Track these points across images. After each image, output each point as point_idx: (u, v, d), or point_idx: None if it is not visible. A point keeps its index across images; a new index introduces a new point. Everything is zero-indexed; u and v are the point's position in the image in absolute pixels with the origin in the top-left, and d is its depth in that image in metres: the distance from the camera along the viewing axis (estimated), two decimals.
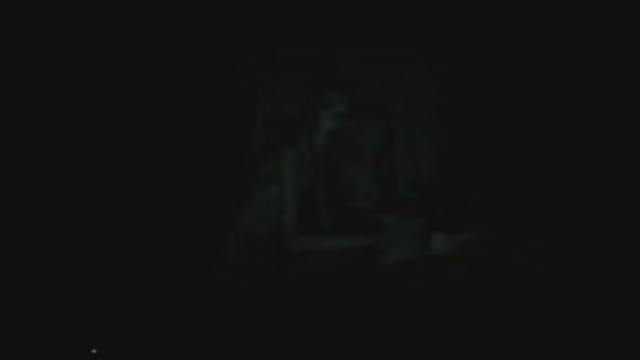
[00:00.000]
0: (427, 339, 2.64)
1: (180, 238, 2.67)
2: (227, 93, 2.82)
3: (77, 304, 2.57)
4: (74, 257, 2.59)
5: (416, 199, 2.96)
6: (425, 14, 2.90)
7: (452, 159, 2.99)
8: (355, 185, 2.98)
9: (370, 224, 2.88)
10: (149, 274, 2.63)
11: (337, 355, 2.61)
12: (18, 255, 2.55)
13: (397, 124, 3.03)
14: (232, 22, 2.81)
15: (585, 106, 2.87)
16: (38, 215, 2.59)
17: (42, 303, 2.55)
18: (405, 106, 3.02)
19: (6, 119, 2.56)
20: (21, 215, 2.57)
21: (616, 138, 2.84)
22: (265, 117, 2.90)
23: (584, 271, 2.75)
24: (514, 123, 2.94)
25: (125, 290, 2.61)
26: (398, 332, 2.65)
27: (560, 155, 2.89)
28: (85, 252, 2.60)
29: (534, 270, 2.73)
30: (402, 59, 2.97)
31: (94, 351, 2.53)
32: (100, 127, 2.66)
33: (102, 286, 2.59)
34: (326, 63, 2.92)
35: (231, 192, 2.77)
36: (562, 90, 2.89)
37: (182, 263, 2.65)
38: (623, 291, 2.72)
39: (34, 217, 2.58)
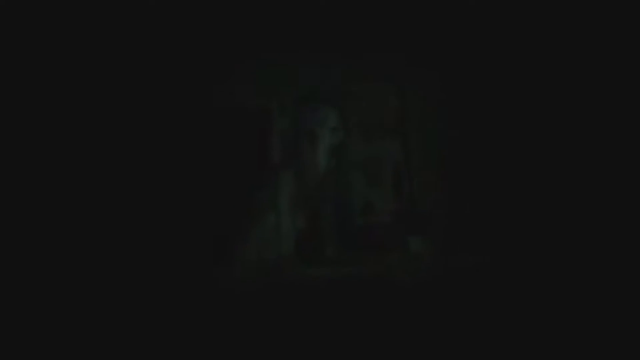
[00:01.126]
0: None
1: (186, 246, 2.65)
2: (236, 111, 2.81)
3: (78, 307, 2.54)
4: (77, 262, 2.58)
5: (435, 216, 2.91)
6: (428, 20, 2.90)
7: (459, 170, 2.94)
8: (374, 203, 2.91)
9: (392, 242, 2.80)
10: (154, 284, 2.60)
11: None
12: (18, 255, 2.53)
13: (413, 140, 2.99)
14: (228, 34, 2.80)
15: (582, 108, 2.85)
16: (42, 217, 2.57)
17: (42, 303, 2.53)
18: (419, 123, 2.99)
19: (6, 119, 2.55)
20: (21, 215, 2.55)
21: (614, 139, 2.81)
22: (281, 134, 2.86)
23: (582, 272, 2.72)
24: (514, 128, 2.91)
25: (132, 298, 2.59)
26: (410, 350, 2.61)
27: (561, 159, 2.86)
28: (88, 258, 2.58)
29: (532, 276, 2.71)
30: (413, 74, 2.96)
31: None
32: (107, 140, 2.66)
33: (104, 293, 2.57)
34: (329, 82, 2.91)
35: (241, 209, 2.73)
36: (560, 95, 2.88)
37: (187, 272, 2.63)
38: (622, 291, 2.68)
39: (35, 218, 2.56)
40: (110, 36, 2.66)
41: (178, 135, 2.73)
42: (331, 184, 2.88)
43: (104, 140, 2.65)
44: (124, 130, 2.67)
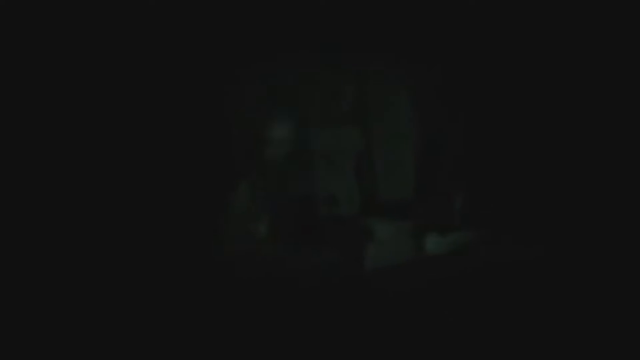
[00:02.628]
0: (422, 341, 2.59)
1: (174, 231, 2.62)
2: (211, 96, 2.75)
3: (75, 300, 2.51)
4: (72, 253, 2.54)
5: (402, 203, 2.90)
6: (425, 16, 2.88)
7: (436, 158, 2.94)
8: (337, 193, 2.87)
9: (356, 231, 2.77)
10: (143, 270, 2.57)
11: None
12: (17, 255, 2.49)
13: (376, 128, 2.96)
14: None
15: (579, 107, 2.88)
16: (37, 215, 2.52)
17: (43, 303, 2.50)
18: (382, 109, 2.96)
19: (6, 119, 2.51)
20: (21, 215, 2.51)
21: (612, 138, 2.84)
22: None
23: (581, 270, 2.74)
24: (502, 120, 2.93)
25: (122, 286, 2.55)
26: (393, 337, 2.58)
27: (552, 153, 2.89)
28: (82, 249, 2.55)
29: (528, 268, 2.70)
30: (380, 59, 2.93)
31: None
32: (100, 130, 2.61)
33: (99, 284, 2.54)
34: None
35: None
36: (556, 91, 2.90)
37: (177, 255, 2.60)
38: (621, 291, 2.71)
39: (33, 217, 2.52)
40: (110, 36, 2.62)
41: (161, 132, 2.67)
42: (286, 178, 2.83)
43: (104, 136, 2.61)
44: (122, 128, 2.63)
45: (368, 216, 2.87)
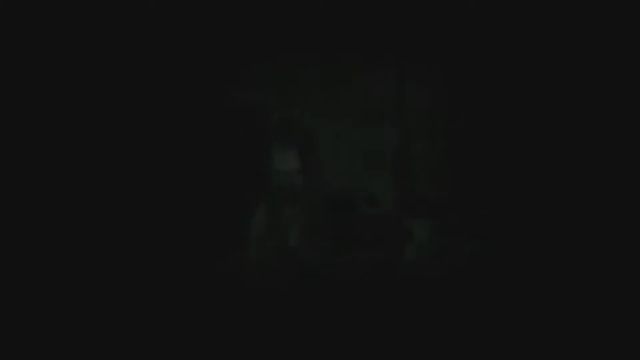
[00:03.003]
0: (455, 337, 2.64)
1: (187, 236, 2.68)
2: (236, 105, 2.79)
3: (78, 302, 2.57)
4: (76, 254, 2.60)
5: (437, 201, 2.91)
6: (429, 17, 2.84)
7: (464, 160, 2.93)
8: (376, 192, 2.91)
9: (396, 230, 2.81)
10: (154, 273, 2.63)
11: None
12: (18, 255, 2.54)
13: (413, 127, 2.96)
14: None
15: (580, 108, 2.83)
16: (43, 215, 2.59)
17: (44, 302, 2.55)
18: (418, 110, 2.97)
19: (6, 119, 2.55)
20: (21, 215, 2.56)
21: (613, 139, 2.79)
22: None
23: (585, 271, 2.73)
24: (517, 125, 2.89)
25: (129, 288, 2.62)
26: (425, 335, 2.64)
27: (561, 156, 2.84)
28: (87, 251, 2.61)
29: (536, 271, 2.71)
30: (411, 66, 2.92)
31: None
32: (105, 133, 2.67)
33: (104, 285, 2.59)
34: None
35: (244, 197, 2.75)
36: (560, 94, 2.85)
37: (187, 260, 2.66)
38: (620, 291, 2.70)
39: (35, 217, 2.58)
40: (112, 36, 2.66)
41: (180, 132, 2.73)
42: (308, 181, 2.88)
43: (108, 134, 2.67)
44: (129, 127, 2.69)
45: (406, 215, 2.90)
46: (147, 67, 2.68)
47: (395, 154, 2.97)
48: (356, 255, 2.75)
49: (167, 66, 2.71)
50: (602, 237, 2.73)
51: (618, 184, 2.77)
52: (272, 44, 2.81)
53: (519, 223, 2.80)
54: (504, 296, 2.70)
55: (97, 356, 2.52)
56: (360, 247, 2.78)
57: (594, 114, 2.81)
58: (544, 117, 2.85)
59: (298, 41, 2.82)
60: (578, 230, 2.75)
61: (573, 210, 2.78)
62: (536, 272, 2.73)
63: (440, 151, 2.97)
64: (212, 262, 2.67)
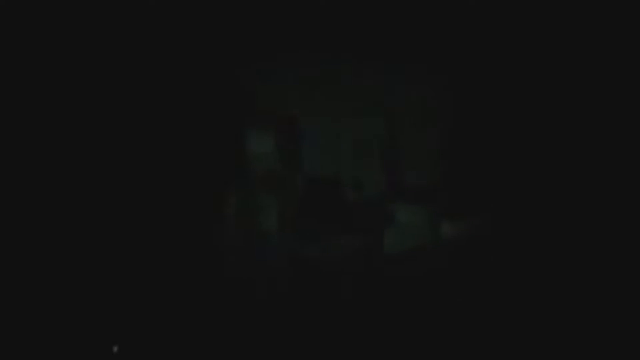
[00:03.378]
0: (438, 325, 2.62)
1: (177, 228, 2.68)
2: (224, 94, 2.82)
3: (80, 299, 2.57)
4: (75, 251, 2.61)
5: (423, 187, 2.87)
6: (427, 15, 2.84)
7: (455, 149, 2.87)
8: (360, 179, 2.88)
9: (377, 215, 2.76)
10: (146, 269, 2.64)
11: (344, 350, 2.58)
12: (18, 255, 2.56)
13: (398, 116, 2.93)
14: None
15: (580, 107, 2.79)
16: (39, 215, 2.60)
17: (45, 302, 2.56)
18: (404, 100, 2.94)
19: (6, 119, 2.59)
20: (22, 214, 2.58)
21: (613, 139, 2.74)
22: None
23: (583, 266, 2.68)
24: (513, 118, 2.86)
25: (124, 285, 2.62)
26: (407, 322, 2.62)
27: (558, 151, 2.80)
28: (84, 248, 2.62)
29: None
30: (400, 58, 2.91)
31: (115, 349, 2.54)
32: (100, 128, 2.69)
33: (102, 283, 2.61)
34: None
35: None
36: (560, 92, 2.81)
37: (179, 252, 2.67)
38: (619, 290, 2.65)
39: (36, 217, 2.60)
40: (115, 36, 2.71)
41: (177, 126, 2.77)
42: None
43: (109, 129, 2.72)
44: (129, 123, 2.73)
45: (391, 201, 2.87)
46: (126, 48, 2.72)
47: (383, 142, 2.94)
48: (337, 240, 2.72)
49: (149, 47, 2.76)
50: (598, 230, 2.70)
51: (614, 168, 2.73)
52: (263, 31, 2.83)
53: (509, 211, 2.72)
54: (490, 284, 2.67)
55: (93, 356, 2.54)
56: (341, 232, 2.75)
57: (586, 95, 2.75)
58: (533, 104, 2.83)
59: (290, 29, 2.83)
60: (571, 220, 2.72)
61: (565, 200, 2.75)
62: (525, 262, 2.70)
63: (428, 139, 2.92)
64: (186, 247, 2.68)
